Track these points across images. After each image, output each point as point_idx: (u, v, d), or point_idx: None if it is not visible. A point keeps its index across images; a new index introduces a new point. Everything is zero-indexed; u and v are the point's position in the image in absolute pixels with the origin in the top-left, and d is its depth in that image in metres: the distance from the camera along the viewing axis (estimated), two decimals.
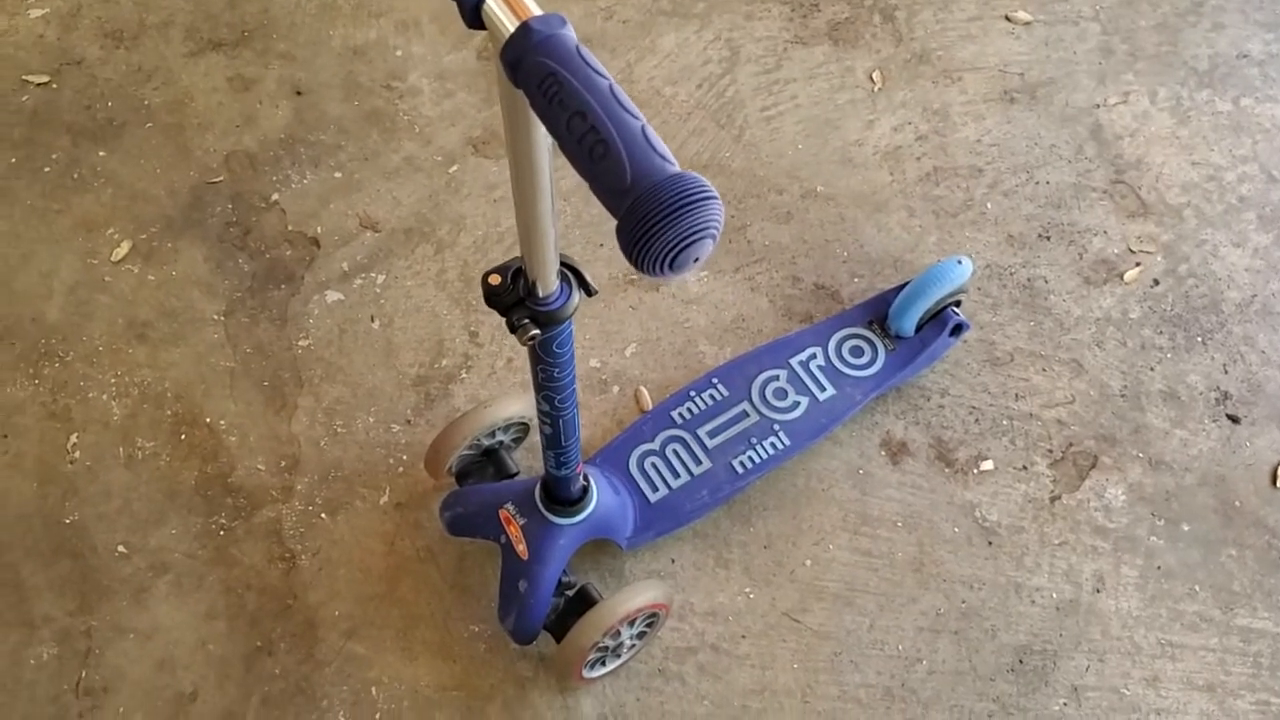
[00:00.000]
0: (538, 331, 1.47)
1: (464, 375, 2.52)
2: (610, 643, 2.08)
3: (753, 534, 2.32)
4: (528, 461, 2.34)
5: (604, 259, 2.61)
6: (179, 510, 2.33)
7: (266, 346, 2.51)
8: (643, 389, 2.50)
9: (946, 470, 2.41)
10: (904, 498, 2.38)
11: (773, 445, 2.32)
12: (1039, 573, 2.28)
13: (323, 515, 2.37)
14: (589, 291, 1.48)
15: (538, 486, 2.09)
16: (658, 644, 2.21)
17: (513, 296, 1.46)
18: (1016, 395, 2.47)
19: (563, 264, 1.46)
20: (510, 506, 2.12)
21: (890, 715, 2.15)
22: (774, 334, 2.53)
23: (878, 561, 2.32)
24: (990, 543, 2.34)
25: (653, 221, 0.95)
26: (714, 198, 0.96)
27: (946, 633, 2.22)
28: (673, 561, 2.33)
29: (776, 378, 2.38)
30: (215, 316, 2.54)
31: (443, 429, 2.23)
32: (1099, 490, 2.38)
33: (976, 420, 2.47)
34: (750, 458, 2.30)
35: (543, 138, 1.22)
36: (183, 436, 2.40)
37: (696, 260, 0.98)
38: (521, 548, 2.10)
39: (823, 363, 2.41)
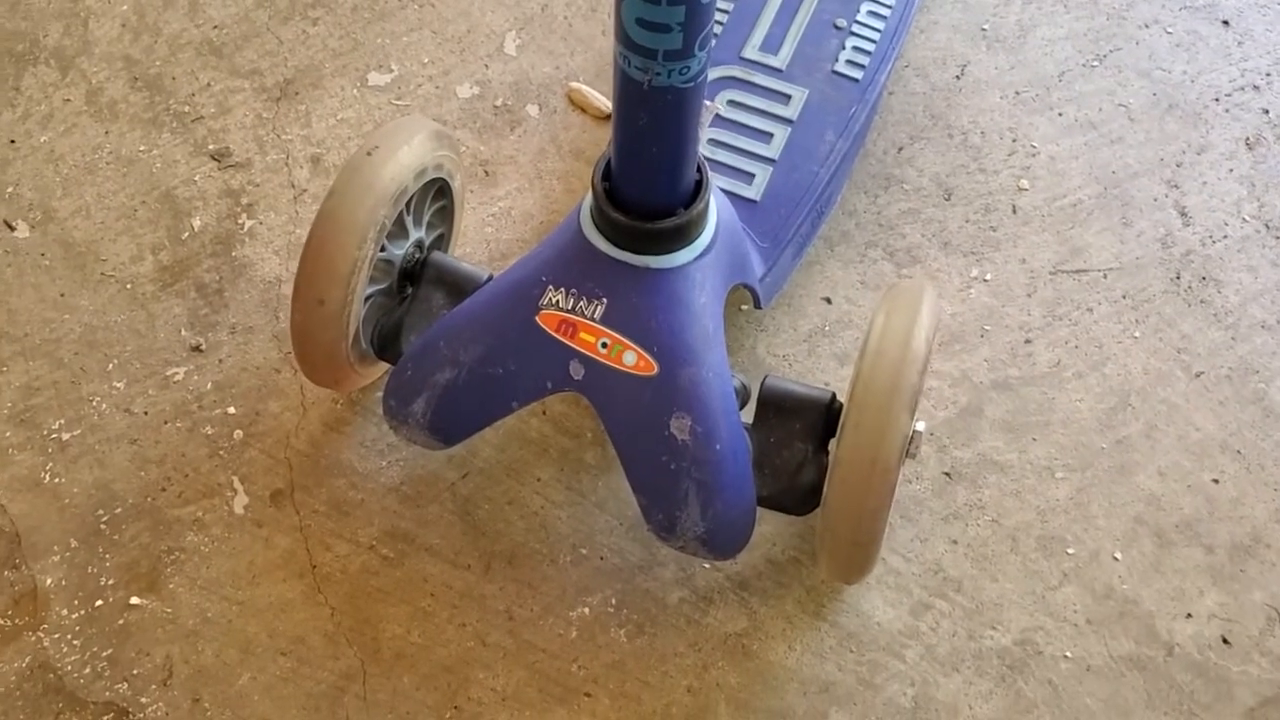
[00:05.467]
0: None
1: (248, 221, 1.24)
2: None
3: (914, 192, 1.23)
4: None
5: None
6: None
7: None
8: (577, 85, 1.33)
9: None
10: (1070, 29, 1.35)
11: (873, 13, 1.22)
12: None
13: (134, 600, 1.05)
14: None
15: (587, 210, 0.91)
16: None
17: None
18: None
19: None
20: (554, 293, 0.92)
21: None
22: None
23: (1112, 128, 1.30)
24: (1226, 22, 1.37)
25: None
26: None
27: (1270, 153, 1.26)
28: (828, 302, 1.20)
29: None
30: None
31: (300, 269, 0.98)
32: None
33: None
34: (857, 47, 1.20)
35: None
36: None
37: None
38: (635, 358, 0.91)
39: None
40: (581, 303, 0.91)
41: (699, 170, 0.90)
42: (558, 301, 0.91)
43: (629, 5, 0.73)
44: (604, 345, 0.91)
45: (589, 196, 0.91)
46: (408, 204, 1.03)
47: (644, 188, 0.86)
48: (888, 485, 0.88)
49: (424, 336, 0.97)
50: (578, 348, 0.91)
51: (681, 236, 0.90)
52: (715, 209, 0.93)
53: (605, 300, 0.91)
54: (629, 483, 0.94)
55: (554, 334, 0.92)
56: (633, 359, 0.90)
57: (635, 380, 0.90)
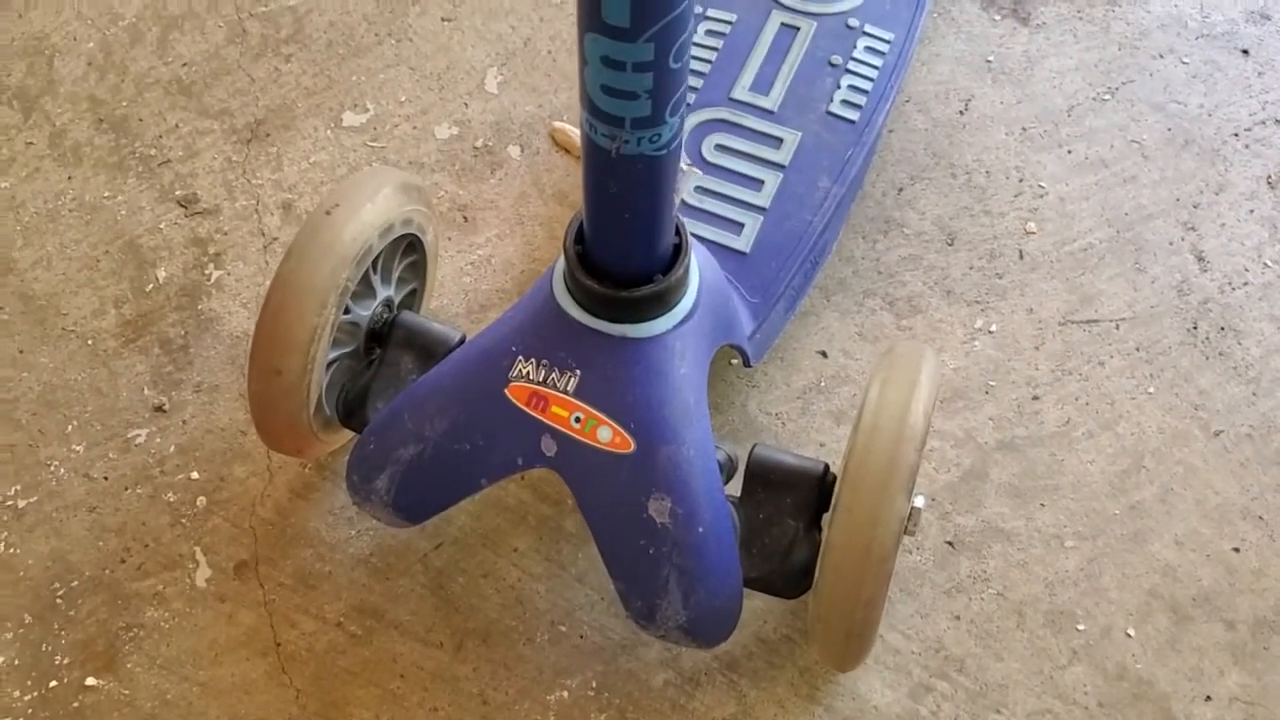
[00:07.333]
0: None
1: (215, 272, 1.19)
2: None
3: (915, 237, 1.17)
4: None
5: None
6: None
7: None
8: (561, 124, 1.27)
9: None
10: (1080, 60, 1.30)
11: (870, 49, 1.16)
12: None
13: (90, 681, 0.99)
14: None
15: (559, 275, 0.85)
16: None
17: None
18: None
19: None
20: (524, 364, 0.86)
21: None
22: None
23: (1125, 166, 1.23)
24: (1246, 51, 1.31)
25: None
26: None
27: None
28: (824, 355, 1.14)
29: None
30: None
31: (256, 334, 0.92)
32: None
33: None
34: (854, 86, 1.14)
35: None
36: None
37: None
38: (610, 434, 0.85)
39: None
40: (553, 374, 0.85)
41: (677, 233, 0.84)
42: (528, 373, 0.85)
43: (593, 71, 0.67)
44: (577, 420, 0.85)
45: (561, 260, 0.85)
46: (374, 262, 0.97)
47: (618, 255, 0.80)
48: (884, 573, 0.82)
49: (387, 408, 0.91)
50: (549, 422, 0.85)
51: (659, 304, 0.84)
52: (697, 270, 0.87)
53: (578, 372, 0.84)
54: (605, 567, 0.88)
55: (524, 408, 0.85)
56: (608, 435, 0.84)
57: (611, 458, 0.84)
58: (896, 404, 0.83)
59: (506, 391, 0.86)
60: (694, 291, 0.86)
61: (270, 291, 0.90)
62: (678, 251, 0.83)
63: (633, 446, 0.84)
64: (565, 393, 0.85)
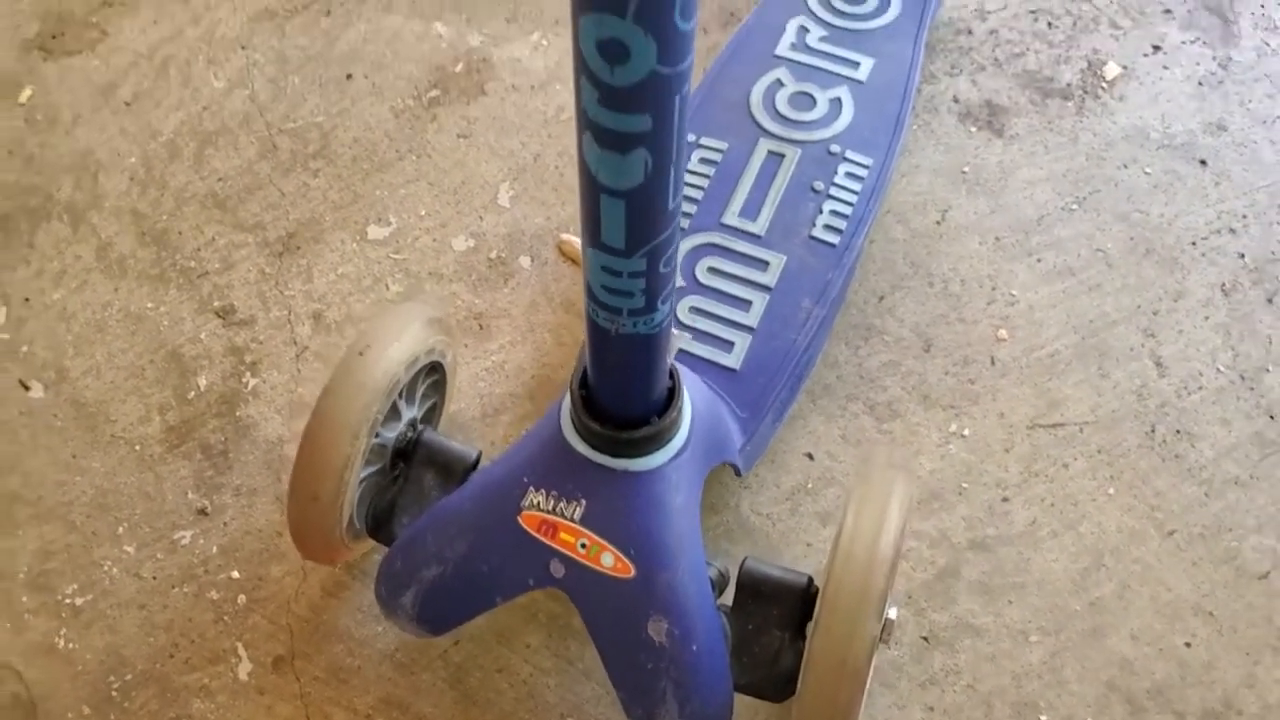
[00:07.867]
0: None
1: (251, 380, 1.29)
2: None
3: (894, 343, 1.27)
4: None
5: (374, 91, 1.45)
6: None
7: None
8: (567, 236, 1.37)
9: (1068, 105, 1.44)
10: (1050, 170, 1.40)
11: (850, 175, 1.26)
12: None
13: None
14: None
15: (566, 413, 0.94)
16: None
17: None
18: None
19: None
20: (535, 494, 0.96)
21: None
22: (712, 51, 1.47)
23: (1091, 274, 1.33)
24: (1203, 161, 1.40)
25: None
26: None
27: (1255, 302, 1.28)
28: (810, 458, 1.24)
29: (778, 85, 1.32)
30: None
31: (296, 464, 1.02)
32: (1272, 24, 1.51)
33: (1051, 25, 1.52)
34: (834, 211, 1.24)
35: None
36: None
37: None
38: (613, 560, 0.95)
39: (823, 31, 1.38)
40: (561, 503, 0.95)
41: (671, 377, 0.94)
42: (538, 503, 0.95)
43: (594, 274, 0.77)
44: (583, 546, 0.95)
45: (567, 400, 0.95)
46: (401, 391, 1.07)
47: (618, 403, 0.90)
48: (859, 683, 0.92)
49: (411, 530, 1.02)
50: (558, 548, 0.95)
51: (656, 441, 0.93)
52: (689, 405, 0.97)
53: (584, 501, 0.94)
54: (609, 677, 0.98)
55: (535, 534, 0.95)
56: (611, 560, 0.94)
57: (613, 582, 0.94)
58: (868, 534, 0.93)
59: (519, 519, 0.96)
60: (687, 425, 0.96)
61: (308, 426, 1.01)
62: (672, 394, 0.94)
63: (633, 572, 0.94)
64: (572, 520, 0.95)
